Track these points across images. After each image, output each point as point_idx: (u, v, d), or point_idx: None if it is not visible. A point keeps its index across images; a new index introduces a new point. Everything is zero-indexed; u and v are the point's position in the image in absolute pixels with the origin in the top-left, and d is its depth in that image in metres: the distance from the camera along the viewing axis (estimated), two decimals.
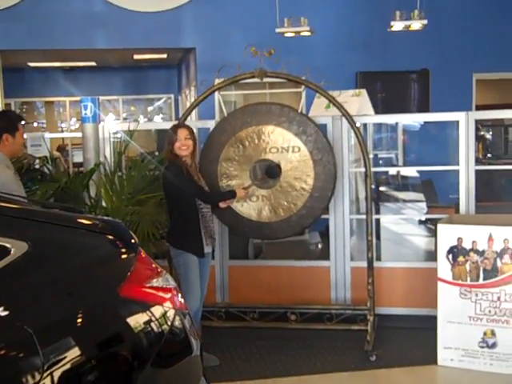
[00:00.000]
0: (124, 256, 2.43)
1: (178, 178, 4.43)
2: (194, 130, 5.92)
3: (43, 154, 6.63)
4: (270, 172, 4.99)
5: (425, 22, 7.32)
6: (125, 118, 14.55)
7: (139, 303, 2.31)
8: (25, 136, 4.53)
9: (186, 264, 4.45)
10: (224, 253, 5.60)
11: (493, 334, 4.35)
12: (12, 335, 1.89)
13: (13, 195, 2.63)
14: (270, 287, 5.53)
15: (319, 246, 6.65)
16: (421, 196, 6.79)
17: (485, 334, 4.37)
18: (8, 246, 2.09)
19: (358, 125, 5.14)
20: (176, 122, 5.04)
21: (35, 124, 15.62)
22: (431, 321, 4.64)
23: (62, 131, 14.96)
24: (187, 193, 4.43)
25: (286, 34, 7.56)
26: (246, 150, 5.06)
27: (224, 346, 4.93)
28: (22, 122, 4.27)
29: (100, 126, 5.66)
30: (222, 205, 4.72)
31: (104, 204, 5.41)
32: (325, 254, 5.65)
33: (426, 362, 4.57)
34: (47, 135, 8.60)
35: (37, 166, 5.87)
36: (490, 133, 11.98)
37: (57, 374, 1.94)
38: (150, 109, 15.78)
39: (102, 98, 13.22)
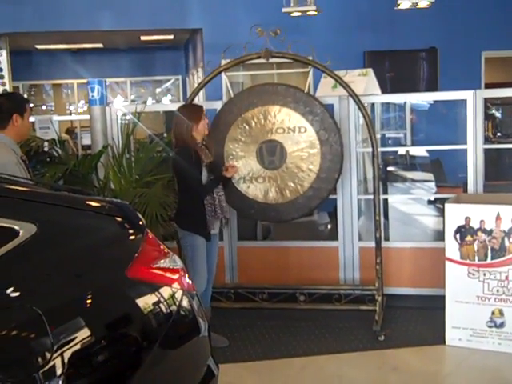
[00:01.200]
0: (131, 237, 2.44)
1: (187, 163, 4.44)
2: None
3: (52, 136, 6.66)
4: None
5: None
6: (133, 100, 14.54)
7: (147, 284, 2.32)
8: (32, 119, 4.52)
9: (194, 245, 4.48)
10: (233, 234, 5.61)
11: (501, 313, 4.36)
12: (21, 316, 1.91)
13: (19, 177, 2.65)
14: (278, 268, 5.55)
15: (328, 226, 6.65)
16: (429, 176, 6.77)
17: (493, 313, 4.38)
18: (16, 227, 2.11)
19: (365, 105, 5.12)
20: (183, 103, 5.03)
21: (43, 107, 15.64)
22: (439, 300, 4.65)
23: (71, 114, 14.97)
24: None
25: (292, 14, 7.51)
26: (253, 131, 5.05)
27: (233, 327, 4.97)
28: (29, 104, 4.25)
29: (107, 108, 5.66)
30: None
31: (112, 186, 5.43)
32: (334, 235, 5.65)
33: (434, 341, 4.58)
34: (55, 118, 8.63)
35: (45, 149, 5.89)
36: (500, 111, 11.90)
37: (66, 355, 1.96)
38: (158, 90, 15.75)
39: (109, 79, 13.27)
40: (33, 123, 7.94)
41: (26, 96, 13.54)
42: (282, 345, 4.65)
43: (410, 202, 6.29)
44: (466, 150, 5.19)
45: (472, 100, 5.09)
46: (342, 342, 4.67)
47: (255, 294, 5.25)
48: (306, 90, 5.07)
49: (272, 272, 5.52)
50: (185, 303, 2.45)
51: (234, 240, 5.62)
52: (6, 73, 9.43)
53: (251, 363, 4.39)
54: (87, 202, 2.50)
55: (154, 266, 2.39)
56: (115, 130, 5.67)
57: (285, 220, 5.32)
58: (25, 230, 2.11)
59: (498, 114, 11.83)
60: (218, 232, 4.76)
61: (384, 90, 6.80)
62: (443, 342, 4.53)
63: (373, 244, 5.06)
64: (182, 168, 4.48)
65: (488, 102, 10.38)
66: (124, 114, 5.71)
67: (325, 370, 4.26)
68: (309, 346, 4.62)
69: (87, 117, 6.07)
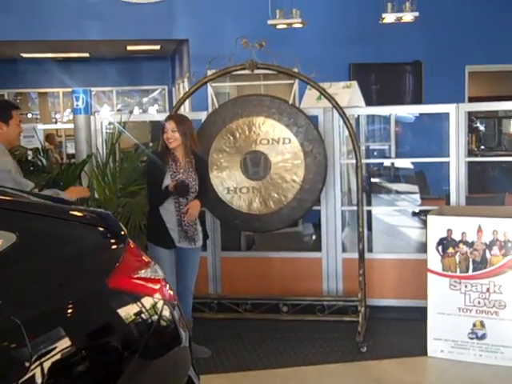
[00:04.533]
0: (113, 247, 2.44)
1: (147, 170, 4.49)
2: None
3: (36, 145, 6.64)
4: (180, 189, 4.36)
5: (416, 14, 7.32)
6: (119, 110, 14.51)
7: (127, 294, 2.32)
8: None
9: (157, 256, 4.27)
10: (216, 244, 5.61)
11: (482, 325, 4.38)
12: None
13: (3, 187, 2.63)
14: (262, 278, 5.54)
15: (313, 237, 6.66)
16: (414, 188, 6.81)
17: (474, 325, 4.40)
18: None
19: (349, 117, 5.14)
20: (168, 113, 5.03)
21: (29, 115, 15.57)
22: (422, 312, 4.67)
23: (56, 122, 14.92)
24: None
25: (278, 26, 7.56)
26: (237, 142, 5.06)
27: (216, 338, 4.95)
28: (18, 111, 4.19)
29: (92, 118, 5.66)
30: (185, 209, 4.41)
31: (96, 196, 5.42)
32: (318, 246, 5.65)
33: (416, 353, 4.59)
34: (40, 126, 8.61)
35: (29, 158, 5.87)
36: (484, 125, 12.02)
37: (45, 365, 1.96)
38: (144, 100, 15.74)
39: (96, 89, 13.25)
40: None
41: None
42: (265, 356, 4.64)
43: (394, 214, 6.32)
44: (449, 163, 5.23)
45: (455, 113, 5.13)
46: (325, 353, 4.67)
47: (238, 305, 5.24)
48: (290, 102, 5.10)
49: (255, 283, 5.52)
50: (166, 313, 2.45)
51: (218, 250, 5.62)
52: None
53: (233, 374, 4.37)
54: (69, 212, 2.49)
55: (135, 275, 2.39)
56: (99, 140, 5.66)
57: (268, 230, 5.33)
58: (4, 239, 2.10)
59: (481, 128, 11.95)
60: (201, 245, 4.60)
61: (369, 103, 6.83)
62: (425, 353, 4.54)
63: (356, 255, 5.07)
64: (145, 173, 4.53)
65: (472, 116, 10.48)
66: (109, 124, 5.71)
67: (307, 382, 4.26)
68: (291, 357, 4.62)
69: (72, 126, 6.05)
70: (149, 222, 4.58)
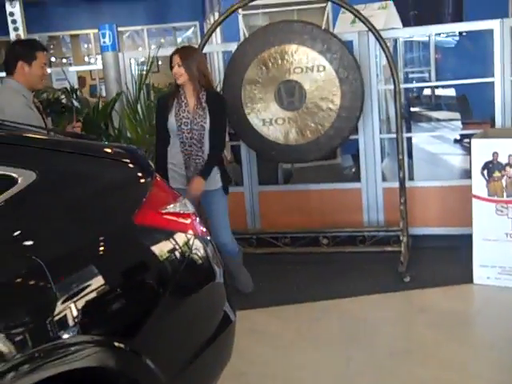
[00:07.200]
0: (140, 181, 2.34)
1: (156, 111, 4.32)
2: (217, 54, 5.79)
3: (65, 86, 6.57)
4: None
5: None
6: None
7: (156, 230, 2.23)
8: (49, 71, 4.35)
9: None
10: (253, 179, 5.51)
11: None
12: (20, 266, 1.83)
13: (23, 124, 2.54)
14: (300, 212, 5.45)
15: (352, 169, 6.54)
16: (456, 115, 6.62)
17: None
18: (14, 175, 2.01)
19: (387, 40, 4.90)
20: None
21: (64, 60, 15.49)
22: (466, 239, 4.52)
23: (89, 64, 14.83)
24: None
25: None
26: (270, 72, 4.89)
27: (255, 273, 4.88)
28: (44, 52, 4.05)
29: (120, 55, 5.53)
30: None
31: (128, 134, 5.34)
32: (358, 178, 5.50)
33: (462, 281, 4.47)
34: (71, 68, 8.52)
35: (63, 101, 5.80)
36: None
37: (70, 306, 1.88)
38: (178, 40, 15.51)
39: (126, 28, 13.07)
40: (49, 75, 7.84)
41: None
42: (306, 289, 4.57)
43: (436, 142, 6.16)
44: (493, 84, 4.98)
45: (499, 29, 4.86)
46: (367, 284, 4.58)
47: (277, 239, 5.17)
48: (323, 27, 4.88)
49: (294, 216, 5.42)
50: (198, 249, 2.36)
51: (255, 185, 5.52)
52: (20, 25, 9.27)
53: (273, 308, 4.32)
54: (95, 147, 2.40)
55: (164, 210, 2.29)
56: (129, 77, 5.54)
57: (306, 160, 5.20)
58: (23, 177, 2.01)
59: None
60: (219, 187, 4.18)
61: None
62: (471, 280, 4.42)
63: (397, 184, 4.91)
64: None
65: None
66: (140, 63, 5.59)
67: (349, 313, 4.19)
68: (333, 289, 4.54)
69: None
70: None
